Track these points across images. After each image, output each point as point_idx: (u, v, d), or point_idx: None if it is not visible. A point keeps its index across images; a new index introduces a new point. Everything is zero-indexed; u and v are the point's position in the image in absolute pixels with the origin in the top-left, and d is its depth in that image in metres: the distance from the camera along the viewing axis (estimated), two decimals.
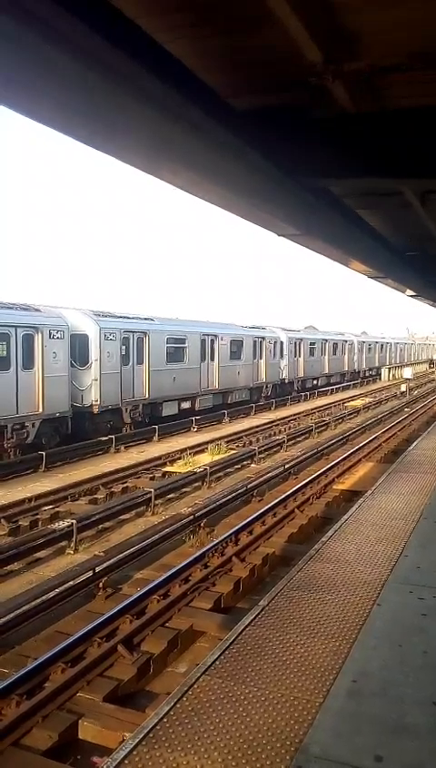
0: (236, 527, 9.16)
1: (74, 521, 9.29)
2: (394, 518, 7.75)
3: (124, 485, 13.05)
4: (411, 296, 19.28)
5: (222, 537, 8.73)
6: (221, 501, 10.84)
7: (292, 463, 14.46)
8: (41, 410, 15.53)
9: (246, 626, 4.82)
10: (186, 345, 22.19)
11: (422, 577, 5.81)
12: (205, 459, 15.31)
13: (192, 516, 9.79)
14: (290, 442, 18.18)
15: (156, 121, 4.14)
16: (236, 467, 14.98)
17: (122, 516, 10.61)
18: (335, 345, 39.03)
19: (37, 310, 16.31)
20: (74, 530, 9.10)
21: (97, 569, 7.62)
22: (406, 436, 18.96)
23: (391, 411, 25.88)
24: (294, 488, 11.60)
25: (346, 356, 41.28)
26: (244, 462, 15.44)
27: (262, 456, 16.18)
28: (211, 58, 4.53)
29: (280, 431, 20.51)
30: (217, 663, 4.27)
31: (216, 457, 15.44)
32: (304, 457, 15.46)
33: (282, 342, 30.49)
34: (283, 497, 11.02)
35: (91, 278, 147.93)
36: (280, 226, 7.73)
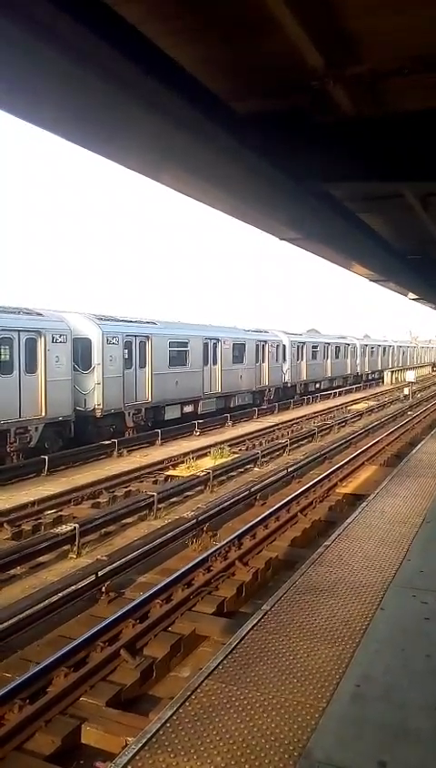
0: (239, 531, 9.15)
1: (76, 525, 9.29)
2: (397, 522, 7.72)
3: (127, 489, 13.05)
4: (414, 299, 19.28)
5: (225, 541, 8.72)
6: (224, 505, 10.84)
7: (294, 467, 14.44)
8: (44, 414, 15.56)
9: (249, 631, 4.81)
10: (189, 349, 22.20)
11: (425, 581, 5.79)
12: (208, 463, 15.29)
13: (194, 520, 9.78)
14: (293, 446, 18.16)
15: (157, 124, 4.14)
16: (239, 470, 14.96)
17: (125, 520, 10.62)
18: (337, 348, 39.01)
19: (40, 314, 16.34)
20: (77, 534, 9.09)
21: (100, 573, 7.63)
22: (409, 439, 18.91)
23: (393, 414, 25.84)
24: (297, 492, 11.59)
25: (348, 359, 41.26)
26: (247, 466, 15.42)
27: (265, 459, 16.16)
28: (212, 63, 4.55)
29: (282, 435, 20.48)
30: (220, 667, 4.26)
31: (219, 461, 15.42)
32: (307, 460, 15.44)
33: (284, 346, 30.51)
34: (286, 500, 11.00)
35: (91, 279, 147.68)
36: (281, 230, 7.73)
